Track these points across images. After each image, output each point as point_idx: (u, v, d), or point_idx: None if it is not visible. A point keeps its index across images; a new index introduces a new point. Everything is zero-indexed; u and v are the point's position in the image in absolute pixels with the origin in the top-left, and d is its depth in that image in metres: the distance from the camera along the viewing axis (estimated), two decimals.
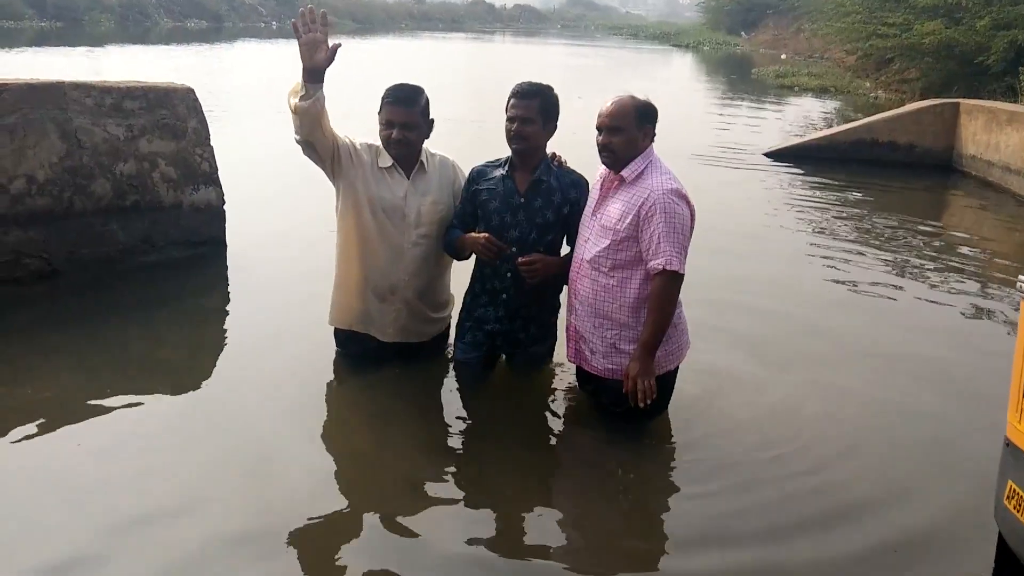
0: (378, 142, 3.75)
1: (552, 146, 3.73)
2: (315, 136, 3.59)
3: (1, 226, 4.78)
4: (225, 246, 5.75)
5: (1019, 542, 2.23)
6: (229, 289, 5.30)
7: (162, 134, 5.39)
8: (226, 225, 5.78)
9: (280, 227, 6.34)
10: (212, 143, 5.70)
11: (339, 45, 3.45)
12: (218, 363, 4.25)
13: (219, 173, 5.72)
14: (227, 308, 5.01)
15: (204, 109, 5.68)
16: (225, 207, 5.76)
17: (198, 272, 5.43)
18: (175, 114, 5.45)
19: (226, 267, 5.57)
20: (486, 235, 3.58)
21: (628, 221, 3.27)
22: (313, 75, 3.46)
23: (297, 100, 3.48)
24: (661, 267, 3.19)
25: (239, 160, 7.63)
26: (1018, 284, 2.30)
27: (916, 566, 2.89)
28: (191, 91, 5.58)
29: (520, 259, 3.55)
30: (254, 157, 8.97)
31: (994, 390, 3.52)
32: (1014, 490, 2.24)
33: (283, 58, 23.92)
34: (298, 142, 3.65)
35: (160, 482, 3.18)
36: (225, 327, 4.73)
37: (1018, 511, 2.19)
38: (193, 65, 21.13)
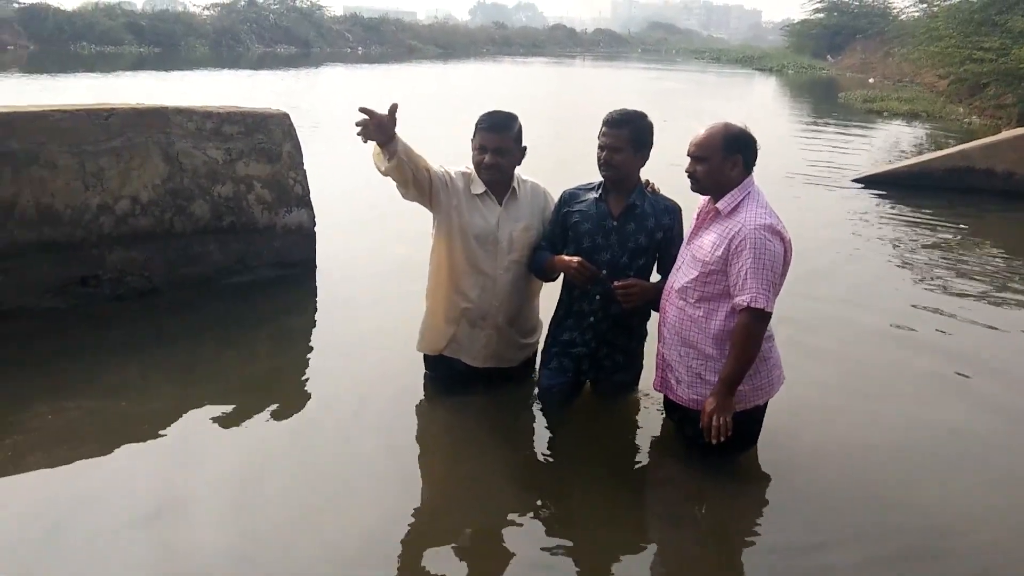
0: (470, 169, 3.79)
1: (645, 170, 3.72)
2: (414, 185, 3.63)
3: (106, 245, 4.99)
4: (315, 267, 5.89)
5: None
6: (318, 310, 5.42)
7: (258, 157, 5.57)
8: (316, 247, 5.91)
9: (370, 250, 6.46)
10: (305, 167, 5.85)
11: (396, 105, 3.45)
12: (308, 382, 4.35)
13: (311, 196, 5.86)
14: (317, 328, 5.12)
15: (298, 132, 5.84)
16: (316, 229, 5.89)
17: (289, 292, 5.57)
18: (271, 138, 5.62)
19: (316, 288, 5.69)
20: (579, 258, 3.57)
21: (719, 254, 3.22)
22: (384, 138, 3.46)
23: (382, 165, 3.52)
24: (746, 304, 3.13)
25: (330, 184, 7.80)
26: None
27: None
28: (286, 116, 5.74)
29: (617, 283, 3.53)
30: (345, 180, 9.16)
31: None
32: None
33: (369, 83, 24.49)
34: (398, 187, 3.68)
35: (249, 495, 3.26)
36: (314, 347, 4.83)
37: None
38: (283, 91, 21.77)
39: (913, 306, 5.97)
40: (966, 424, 4.16)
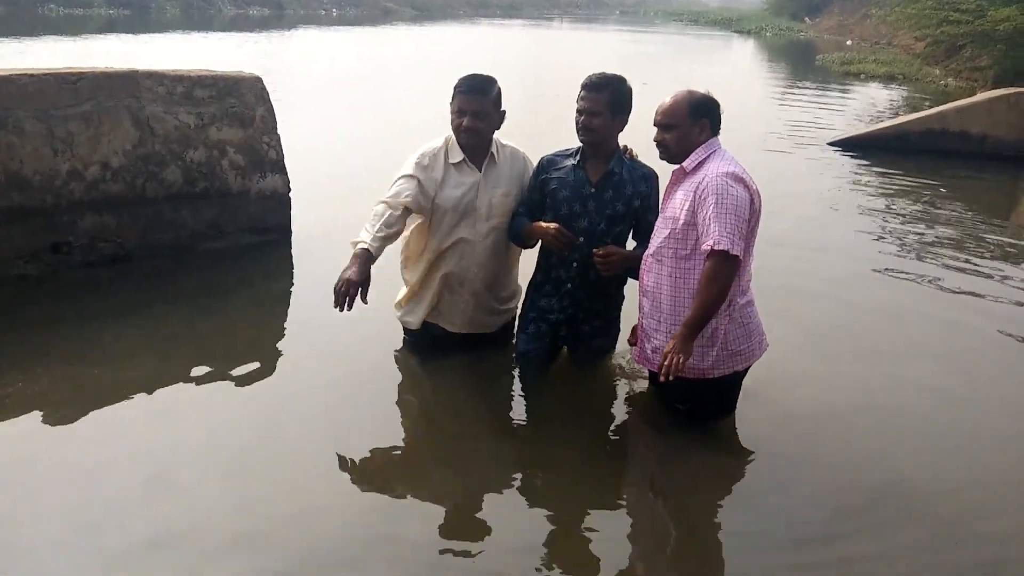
0: (449, 136, 3.77)
1: (625, 136, 3.70)
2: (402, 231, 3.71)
3: (77, 211, 4.93)
4: (291, 233, 5.84)
5: None
6: (295, 275, 5.39)
7: (231, 122, 5.49)
8: (292, 212, 5.86)
9: (345, 214, 6.34)
10: (279, 131, 5.78)
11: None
12: (286, 348, 4.33)
13: (285, 161, 5.80)
14: (293, 294, 5.10)
15: (271, 96, 5.76)
16: (291, 195, 5.84)
17: (264, 258, 5.53)
18: (243, 102, 5.54)
19: (292, 254, 5.66)
20: (556, 225, 3.57)
21: (686, 208, 3.22)
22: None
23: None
24: (710, 246, 3.11)
25: (305, 148, 7.73)
26: None
27: (979, 551, 2.87)
28: (259, 80, 5.66)
29: (597, 251, 3.53)
30: (320, 145, 9.10)
31: None
32: None
33: (344, 46, 24.18)
34: None
35: (229, 462, 3.27)
36: (292, 313, 4.82)
37: None
38: (256, 53, 21.44)
39: (884, 267, 6.03)
40: (938, 382, 4.22)
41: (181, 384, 3.83)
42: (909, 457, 3.54)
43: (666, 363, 3.11)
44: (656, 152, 3.40)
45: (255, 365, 4.07)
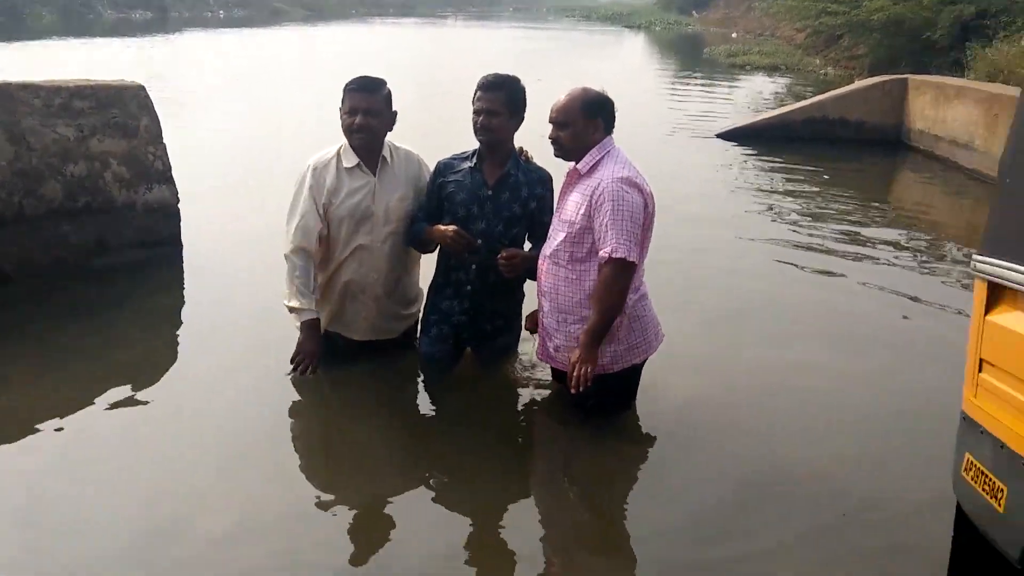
0: (336, 146, 3.74)
1: (519, 134, 3.73)
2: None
3: None
4: (181, 245, 5.67)
5: (978, 513, 2.30)
6: (187, 289, 5.24)
7: (113, 133, 5.29)
8: (181, 224, 5.70)
9: (237, 223, 6.27)
10: (164, 140, 5.61)
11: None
12: (179, 365, 4.20)
13: (172, 171, 5.63)
14: (186, 308, 4.96)
15: (155, 104, 5.58)
16: (180, 205, 5.68)
17: (155, 273, 5.35)
18: (126, 112, 5.35)
19: (183, 267, 5.49)
20: (455, 228, 3.57)
21: (582, 212, 3.26)
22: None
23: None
24: (608, 255, 3.17)
25: (193, 157, 7.53)
26: (973, 264, 2.36)
27: (877, 535, 2.96)
28: (142, 88, 5.48)
29: (502, 255, 3.55)
30: (208, 153, 8.87)
31: (951, 364, 3.61)
32: (971, 462, 2.31)
33: (232, 49, 23.60)
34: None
35: (125, 484, 3.15)
36: (185, 328, 4.67)
37: (975, 483, 2.26)
38: (141, 60, 20.72)
39: (774, 254, 6.26)
40: (831, 364, 4.39)
41: (66, 407, 3.66)
42: (807, 439, 3.66)
43: (576, 375, 3.18)
44: (551, 152, 3.43)
45: (150, 383, 3.93)
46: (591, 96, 3.34)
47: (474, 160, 3.70)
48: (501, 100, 3.56)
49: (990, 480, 2.19)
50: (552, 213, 3.64)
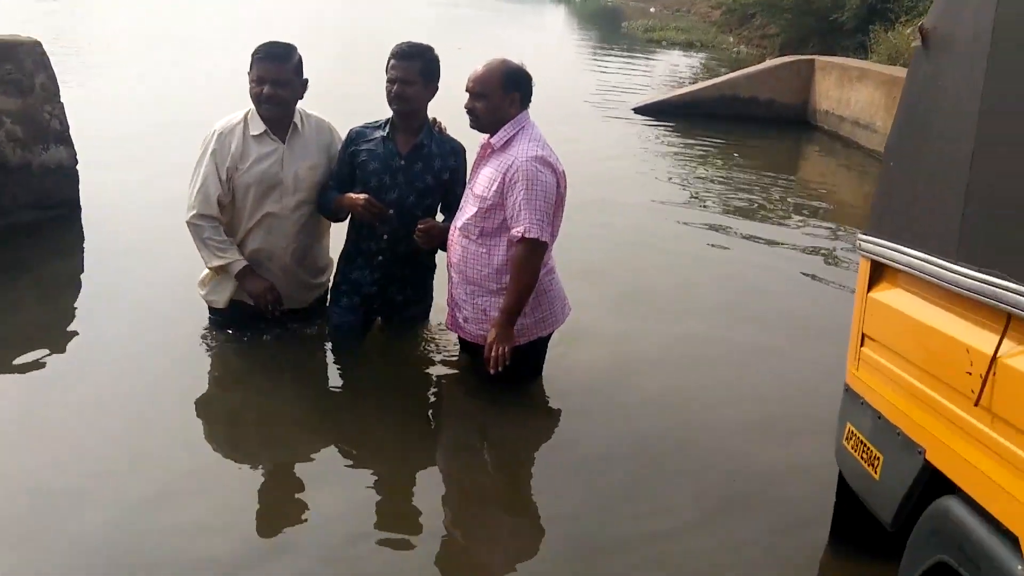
0: (243, 111, 3.66)
1: (434, 104, 3.71)
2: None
3: None
4: (80, 208, 5.49)
5: (857, 480, 2.43)
6: (86, 253, 5.08)
7: (6, 90, 5.07)
8: (80, 186, 5.50)
9: (138, 185, 6.07)
10: (62, 99, 5.39)
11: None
12: (81, 331, 4.07)
13: (71, 131, 5.42)
14: (85, 273, 4.81)
15: (54, 61, 5.37)
16: (78, 167, 5.47)
17: (52, 236, 5.17)
18: (20, 69, 5.13)
19: (82, 230, 5.32)
20: (366, 196, 3.55)
21: (494, 188, 3.28)
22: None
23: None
24: (520, 235, 3.21)
25: (92, 116, 7.23)
26: (857, 243, 2.47)
27: (761, 506, 3.09)
28: (38, 44, 5.25)
29: (418, 226, 3.54)
30: (108, 112, 8.52)
31: (841, 337, 3.78)
32: (852, 432, 2.43)
33: (142, 5, 22.64)
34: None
35: (19, 453, 3.07)
36: (84, 293, 4.54)
37: (855, 451, 2.39)
38: (39, 14, 19.71)
39: (684, 228, 6.40)
40: (728, 335, 4.54)
41: None
42: (709, 412, 3.77)
43: (494, 355, 3.23)
44: (465, 123, 3.43)
45: (48, 350, 3.81)
46: (510, 68, 3.34)
47: (387, 129, 3.67)
48: (415, 69, 3.55)
49: (868, 449, 2.31)
50: (464, 185, 3.65)
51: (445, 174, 3.70)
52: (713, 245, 6.10)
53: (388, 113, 3.68)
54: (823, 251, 6.16)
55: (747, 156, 9.38)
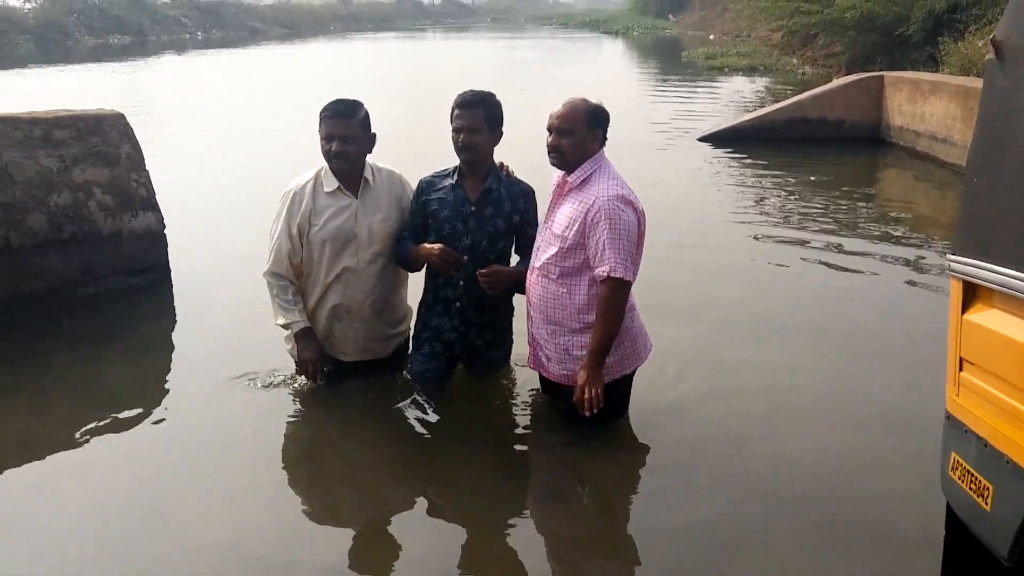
0: (315, 168, 3.77)
1: (502, 149, 3.76)
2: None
3: None
4: (169, 271, 5.69)
5: (966, 512, 2.33)
6: (176, 315, 5.24)
7: (95, 162, 5.31)
8: (168, 249, 5.71)
9: (223, 245, 6.28)
10: (147, 166, 5.62)
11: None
12: (172, 390, 4.20)
13: (157, 197, 5.64)
14: (176, 334, 4.96)
15: (136, 131, 5.60)
16: (166, 231, 5.69)
17: (144, 300, 5.37)
18: (107, 141, 5.37)
19: (172, 292, 5.50)
20: (441, 246, 3.60)
21: (575, 228, 3.29)
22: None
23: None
24: (605, 274, 3.21)
25: (177, 181, 7.53)
26: (947, 263, 2.39)
27: (866, 539, 2.98)
28: (121, 116, 5.50)
29: (480, 271, 3.58)
30: (191, 176, 8.86)
31: (935, 360, 3.66)
32: (957, 461, 2.34)
33: (211, 71, 23.57)
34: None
35: (117, 516, 3.16)
36: (175, 354, 4.68)
37: (962, 482, 2.29)
38: (122, 85, 20.69)
39: (761, 256, 6.30)
40: (814, 361, 4.44)
41: (58, 436, 3.68)
42: (797, 441, 3.70)
43: (586, 397, 3.22)
44: (532, 164, 3.45)
45: (141, 411, 3.95)
46: (592, 107, 3.36)
47: (455, 177, 3.73)
48: (480, 117, 3.60)
49: (976, 479, 2.22)
50: (535, 226, 3.68)
51: (515, 216, 3.73)
52: (792, 269, 5.98)
53: (456, 161, 3.74)
54: (909, 269, 5.98)
55: (822, 176, 9.21)
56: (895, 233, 6.95)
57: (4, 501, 3.29)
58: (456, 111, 3.62)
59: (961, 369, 2.34)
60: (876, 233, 6.92)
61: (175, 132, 12.18)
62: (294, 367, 4.02)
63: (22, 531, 3.08)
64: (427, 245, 3.66)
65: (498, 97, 3.69)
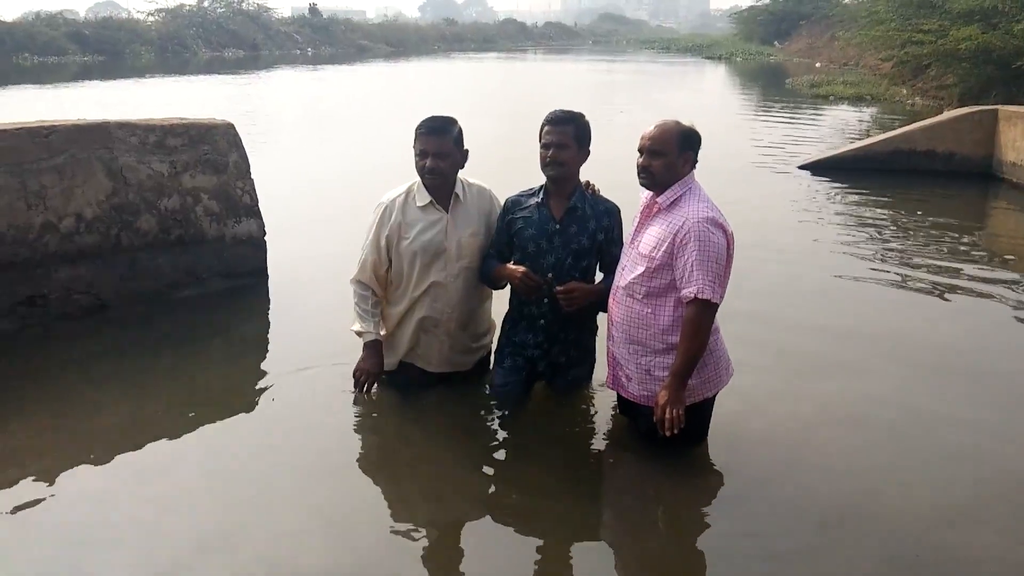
0: (411, 182, 3.87)
1: (590, 167, 3.78)
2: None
3: (52, 264, 4.94)
4: (267, 276, 5.88)
5: None
6: (272, 318, 5.41)
7: (204, 169, 5.54)
8: (267, 256, 5.90)
9: (321, 255, 6.45)
10: (252, 175, 5.84)
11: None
12: (265, 392, 4.33)
13: (260, 204, 5.85)
14: (271, 337, 5.12)
15: (244, 140, 5.83)
16: (266, 238, 5.89)
17: (242, 303, 5.56)
18: (216, 149, 5.59)
19: (269, 297, 5.68)
20: (523, 269, 3.64)
21: (663, 249, 3.28)
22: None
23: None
24: (693, 295, 3.20)
25: (279, 189, 7.78)
26: None
27: None
28: (231, 126, 5.72)
29: (558, 288, 3.60)
30: (293, 185, 9.15)
31: None
32: None
33: (319, 85, 24.31)
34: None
35: (215, 505, 3.28)
36: (270, 356, 4.83)
37: None
38: (233, 95, 21.54)
39: (858, 287, 6.12)
40: (904, 398, 4.28)
41: (159, 432, 3.84)
42: (878, 471, 3.60)
43: (668, 418, 3.21)
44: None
45: (236, 410, 4.10)
46: (685, 129, 3.37)
47: (541, 196, 3.77)
48: (569, 133, 3.63)
49: None
50: (620, 245, 3.69)
51: (600, 235, 3.74)
52: (892, 301, 5.81)
53: (542, 180, 3.77)
54: (1017, 310, 5.71)
55: (928, 210, 8.88)
56: (1005, 272, 6.64)
57: (96, 486, 3.44)
58: (546, 127, 3.66)
59: None
60: (984, 271, 6.62)
61: (282, 143, 12.61)
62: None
63: (117, 524, 3.22)
64: (511, 266, 3.71)
65: (587, 117, 3.72)
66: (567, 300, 3.61)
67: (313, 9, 56.40)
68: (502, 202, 3.92)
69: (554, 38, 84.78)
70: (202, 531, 3.13)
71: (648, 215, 3.44)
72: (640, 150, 3.39)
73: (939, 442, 3.89)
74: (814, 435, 3.91)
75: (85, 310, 5.08)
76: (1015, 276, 6.54)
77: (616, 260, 3.62)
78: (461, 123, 3.85)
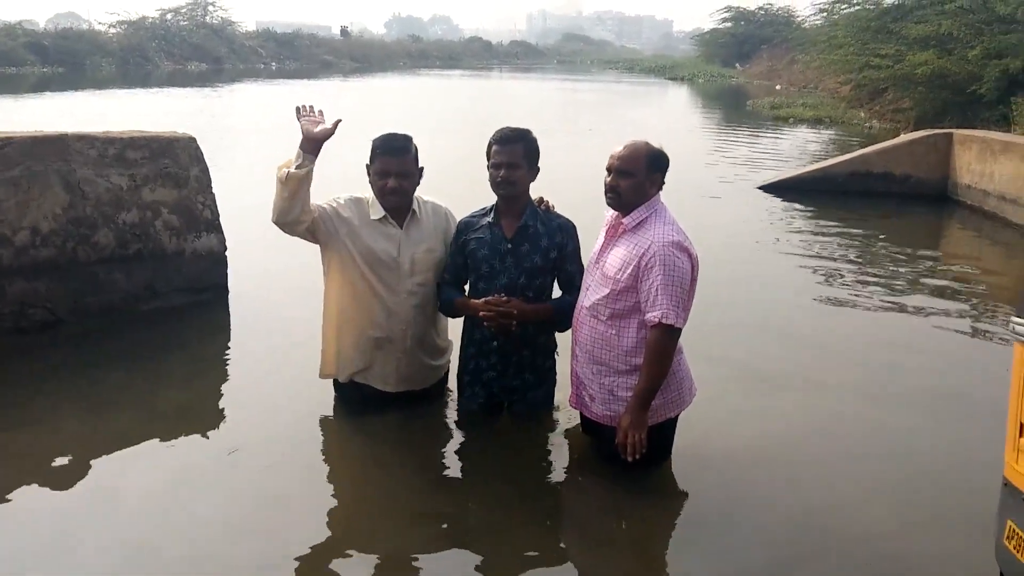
0: (366, 195, 3.83)
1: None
2: (294, 215, 3.68)
3: (5, 277, 4.83)
4: (227, 291, 5.80)
5: None
6: (231, 335, 5.33)
7: (164, 183, 5.46)
8: (228, 271, 5.83)
9: (281, 270, 6.37)
10: (214, 189, 5.77)
11: (340, 120, 3.56)
12: (221, 409, 4.27)
13: (220, 219, 5.78)
14: (229, 354, 5.04)
15: (206, 154, 5.75)
16: (227, 253, 5.81)
17: (201, 318, 5.48)
18: (177, 163, 5.52)
19: (228, 313, 5.61)
20: (484, 300, 3.60)
21: (628, 272, 3.28)
22: (313, 146, 3.57)
23: (290, 169, 3.55)
24: (657, 320, 3.20)
25: (240, 204, 7.68)
26: (1011, 326, 2.33)
27: None
28: (193, 140, 5.65)
29: (487, 300, 3.57)
30: (255, 200, 9.02)
31: (991, 424, 3.54)
32: (1014, 530, 2.26)
33: (281, 100, 24.16)
34: (276, 223, 3.74)
35: (165, 527, 3.20)
36: (228, 373, 4.76)
37: (1018, 551, 2.21)
38: (195, 109, 21.34)
39: (817, 306, 6.20)
40: (871, 414, 4.34)
41: (113, 449, 3.75)
42: (844, 497, 3.61)
43: (630, 442, 3.21)
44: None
45: (191, 427, 4.00)
46: (654, 151, 3.37)
47: (492, 215, 3.73)
48: (519, 153, 3.61)
49: None
50: (576, 262, 3.69)
51: (553, 252, 3.70)
52: (848, 321, 5.88)
53: (494, 199, 3.75)
54: (971, 332, 5.82)
55: (885, 232, 9.04)
56: (959, 294, 6.77)
57: (45, 503, 3.35)
58: (495, 147, 3.63)
59: (1021, 435, 2.27)
60: (938, 293, 6.75)
61: (244, 156, 12.48)
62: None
63: (44, 539, 3.14)
64: (474, 301, 3.66)
65: (535, 134, 3.71)
66: (500, 315, 3.54)
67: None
68: (458, 219, 3.88)
69: (520, 57, 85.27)
70: (160, 556, 3.05)
71: (613, 235, 3.43)
72: (608, 169, 3.38)
73: (901, 454, 3.94)
74: (778, 452, 3.94)
75: (40, 325, 4.96)
76: (970, 294, 6.67)
77: (572, 277, 3.62)
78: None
